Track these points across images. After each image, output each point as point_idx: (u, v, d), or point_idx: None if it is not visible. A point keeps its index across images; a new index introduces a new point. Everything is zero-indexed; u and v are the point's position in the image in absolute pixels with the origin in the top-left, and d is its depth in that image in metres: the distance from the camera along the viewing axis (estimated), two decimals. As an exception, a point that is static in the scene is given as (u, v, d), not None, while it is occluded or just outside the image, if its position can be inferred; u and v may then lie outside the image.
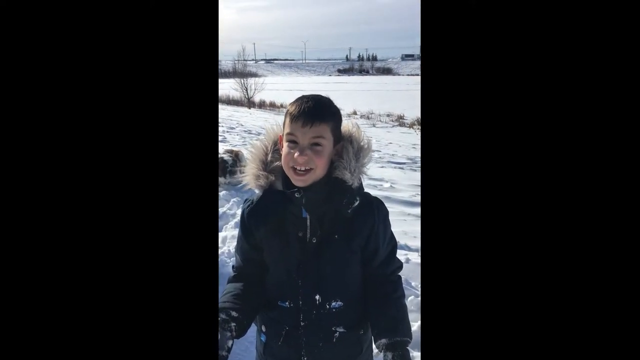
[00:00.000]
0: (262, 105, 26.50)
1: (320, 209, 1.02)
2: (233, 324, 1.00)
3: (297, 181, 0.99)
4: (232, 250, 3.17)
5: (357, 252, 1.05)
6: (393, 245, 1.11)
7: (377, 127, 15.82)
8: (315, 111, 0.97)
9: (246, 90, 27.20)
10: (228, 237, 3.39)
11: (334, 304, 1.04)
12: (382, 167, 6.66)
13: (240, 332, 1.03)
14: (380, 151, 8.64)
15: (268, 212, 1.05)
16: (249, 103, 26.33)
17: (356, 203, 1.02)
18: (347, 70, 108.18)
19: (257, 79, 30.15)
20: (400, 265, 1.12)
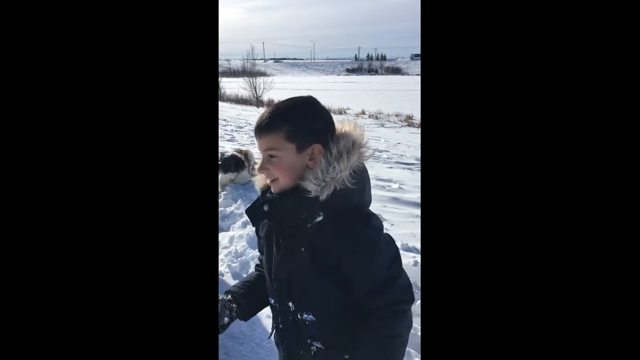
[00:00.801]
0: (270, 104, 26.49)
1: (283, 219, 0.97)
2: (234, 305, 1.07)
3: (272, 188, 0.98)
4: (239, 249, 3.17)
5: (326, 271, 0.94)
6: (391, 276, 0.93)
7: (386, 127, 15.78)
8: (263, 121, 0.92)
9: (255, 89, 27.35)
10: (235, 237, 3.38)
11: (305, 316, 1.00)
12: (391, 167, 6.62)
13: (242, 315, 1.09)
14: (388, 151, 8.61)
15: (258, 213, 1.04)
16: (258, 102, 26.44)
17: (318, 219, 0.92)
18: (356, 69, 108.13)
19: (265, 78, 30.29)
20: (404, 300, 0.94)
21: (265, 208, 0.96)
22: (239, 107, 21.28)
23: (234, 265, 2.97)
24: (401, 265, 0.96)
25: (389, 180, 5.53)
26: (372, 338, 0.93)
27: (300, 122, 0.92)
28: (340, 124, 0.99)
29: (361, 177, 0.95)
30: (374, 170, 5.94)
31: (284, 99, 0.99)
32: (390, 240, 0.97)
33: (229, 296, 1.09)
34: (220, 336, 2.21)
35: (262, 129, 0.92)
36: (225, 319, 1.05)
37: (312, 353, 1.02)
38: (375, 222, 0.94)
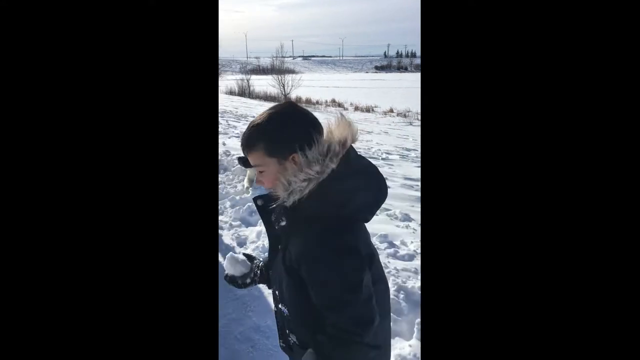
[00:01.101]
0: (298, 101, 26.77)
1: (267, 218, 1.03)
2: (258, 271, 1.21)
3: None
4: (266, 244, 3.21)
5: (292, 273, 0.93)
6: (342, 301, 0.86)
7: (414, 126, 15.57)
8: (243, 140, 0.95)
9: (283, 86, 27.60)
10: (263, 232, 3.43)
11: (283, 308, 1.03)
12: (419, 167, 6.53)
13: (262, 281, 1.22)
14: (417, 150, 8.50)
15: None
16: (286, 99, 26.63)
17: (282, 223, 0.96)
18: (385, 67, 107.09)
19: (294, 75, 30.48)
20: (352, 331, 0.86)
21: (259, 202, 1.01)
22: (267, 105, 21.50)
23: (261, 259, 3.02)
24: (358, 297, 0.87)
25: (418, 180, 5.46)
26: (315, 349, 0.91)
27: (276, 136, 0.91)
28: (329, 124, 0.94)
29: (340, 187, 0.89)
30: (402, 169, 5.88)
31: (266, 110, 0.96)
32: (354, 267, 0.87)
33: (262, 263, 1.23)
34: (247, 330, 2.26)
35: (244, 148, 0.95)
36: (248, 279, 1.20)
37: (291, 344, 1.04)
38: (335, 240, 0.87)
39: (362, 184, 0.92)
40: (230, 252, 1.33)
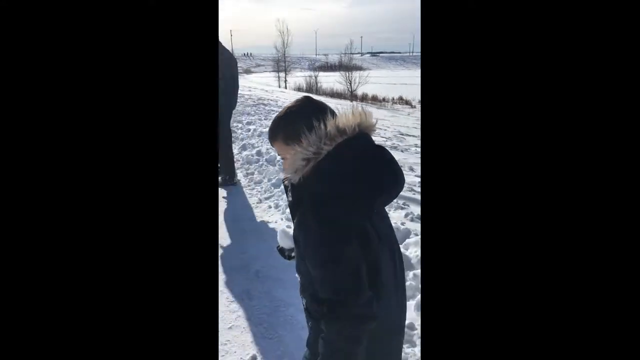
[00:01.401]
0: (364, 98, 26.67)
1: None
2: None
3: None
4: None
5: (298, 246, 1.03)
6: (319, 275, 0.96)
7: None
8: (268, 133, 1.07)
9: (350, 83, 27.69)
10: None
11: (298, 276, 1.11)
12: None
13: None
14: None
15: None
16: (352, 96, 26.68)
17: (290, 199, 1.07)
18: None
19: (361, 72, 30.44)
20: (331, 300, 0.93)
21: (286, 183, 1.10)
22: (333, 101, 21.63)
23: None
24: (339, 268, 0.92)
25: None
26: (314, 318, 1.04)
27: (291, 128, 1.01)
28: (341, 114, 1.03)
29: (334, 168, 0.95)
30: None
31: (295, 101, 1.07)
32: (337, 240, 0.93)
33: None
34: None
35: (269, 139, 1.08)
36: (293, 253, 1.23)
37: (303, 305, 1.13)
38: (322, 215, 0.94)
39: (363, 170, 0.97)
40: (283, 227, 1.40)
